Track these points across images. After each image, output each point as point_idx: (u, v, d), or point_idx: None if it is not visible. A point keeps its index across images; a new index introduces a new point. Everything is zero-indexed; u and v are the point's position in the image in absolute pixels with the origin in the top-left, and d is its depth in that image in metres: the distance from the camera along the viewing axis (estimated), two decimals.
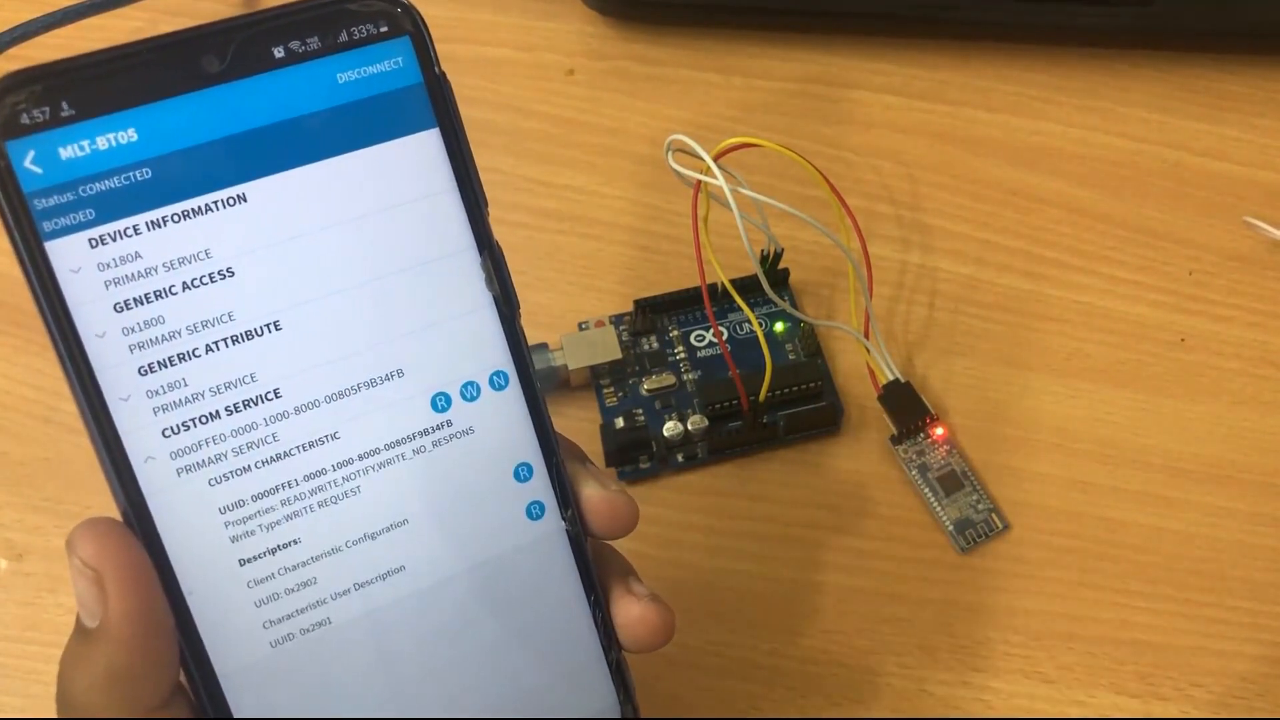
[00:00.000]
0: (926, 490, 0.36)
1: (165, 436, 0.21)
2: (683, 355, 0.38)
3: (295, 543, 0.22)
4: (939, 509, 0.36)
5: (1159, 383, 0.39)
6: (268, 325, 0.22)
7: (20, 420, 0.37)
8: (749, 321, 0.38)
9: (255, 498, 0.22)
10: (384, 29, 0.22)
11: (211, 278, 0.21)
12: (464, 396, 0.23)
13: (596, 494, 0.24)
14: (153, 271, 0.21)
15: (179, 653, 0.21)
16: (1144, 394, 0.39)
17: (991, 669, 0.34)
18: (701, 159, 0.33)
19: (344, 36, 0.21)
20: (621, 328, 0.38)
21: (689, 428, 0.36)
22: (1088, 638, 0.35)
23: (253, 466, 0.22)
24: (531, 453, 0.24)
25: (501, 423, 0.24)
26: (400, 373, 0.23)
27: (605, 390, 0.37)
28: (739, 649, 0.34)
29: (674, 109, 0.44)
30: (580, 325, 0.38)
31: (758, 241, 0.38)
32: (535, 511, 0.24)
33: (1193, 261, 0.41)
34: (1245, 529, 0.36)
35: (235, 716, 0.22)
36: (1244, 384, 0.39)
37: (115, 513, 0.21)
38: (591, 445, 0.36)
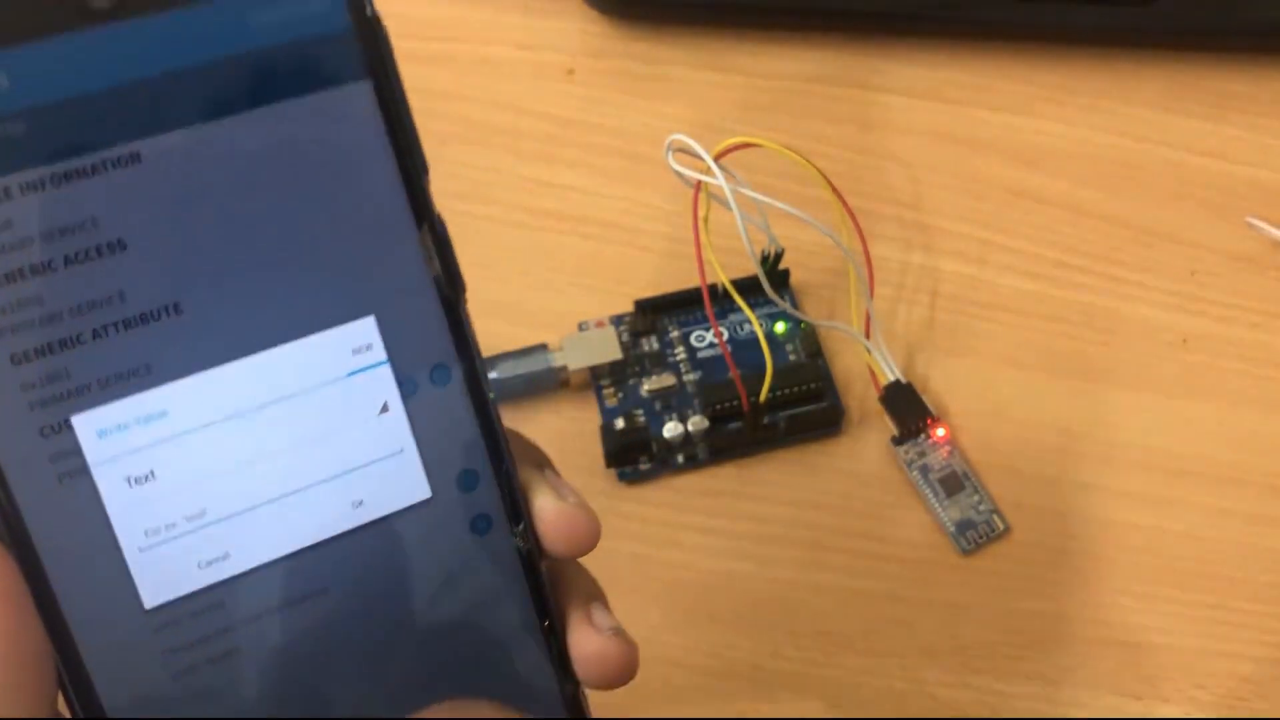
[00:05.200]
0: (927, 491, 0.36)
1: (44, 436, 0.18)
2: (683, 356, 0.38)
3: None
4: (940, 510, 0.36)
5: (1161, 384, 0.39)
6: (165, 307, 0.19)
7: None
8: (749, 322, 0.38)
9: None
10: None
11: (99, 251, 0.18)
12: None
13: (551, 507, 0.21)
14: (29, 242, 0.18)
15: (56, 687, 0.18)
16: (1146, 395, 0.39)
17: (993, 671, 0.34)
18: (702, 159, 0.33)
19: None
20: (621, 328, 0.38)
21: (689, 429, 0.36)
22: (1090, 639, 0.34)
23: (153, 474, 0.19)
24: (477, 458, 0.21)
25: (442, 424, 0.21)
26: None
27: (605, 391, 0.37)
28: (739, 650, 0.34)
29: (674, 109, 0.44)
30: (580, 326, 0.38)
31: (758, 242, 0.38)
32: (481, 525, 0.21)
33: (1195, 262, 0.41)
34: (1247, 530, 0.36)
35: None
36: (1246, 385, 0.39)
37: None
38: (591, 446, 0.36)
